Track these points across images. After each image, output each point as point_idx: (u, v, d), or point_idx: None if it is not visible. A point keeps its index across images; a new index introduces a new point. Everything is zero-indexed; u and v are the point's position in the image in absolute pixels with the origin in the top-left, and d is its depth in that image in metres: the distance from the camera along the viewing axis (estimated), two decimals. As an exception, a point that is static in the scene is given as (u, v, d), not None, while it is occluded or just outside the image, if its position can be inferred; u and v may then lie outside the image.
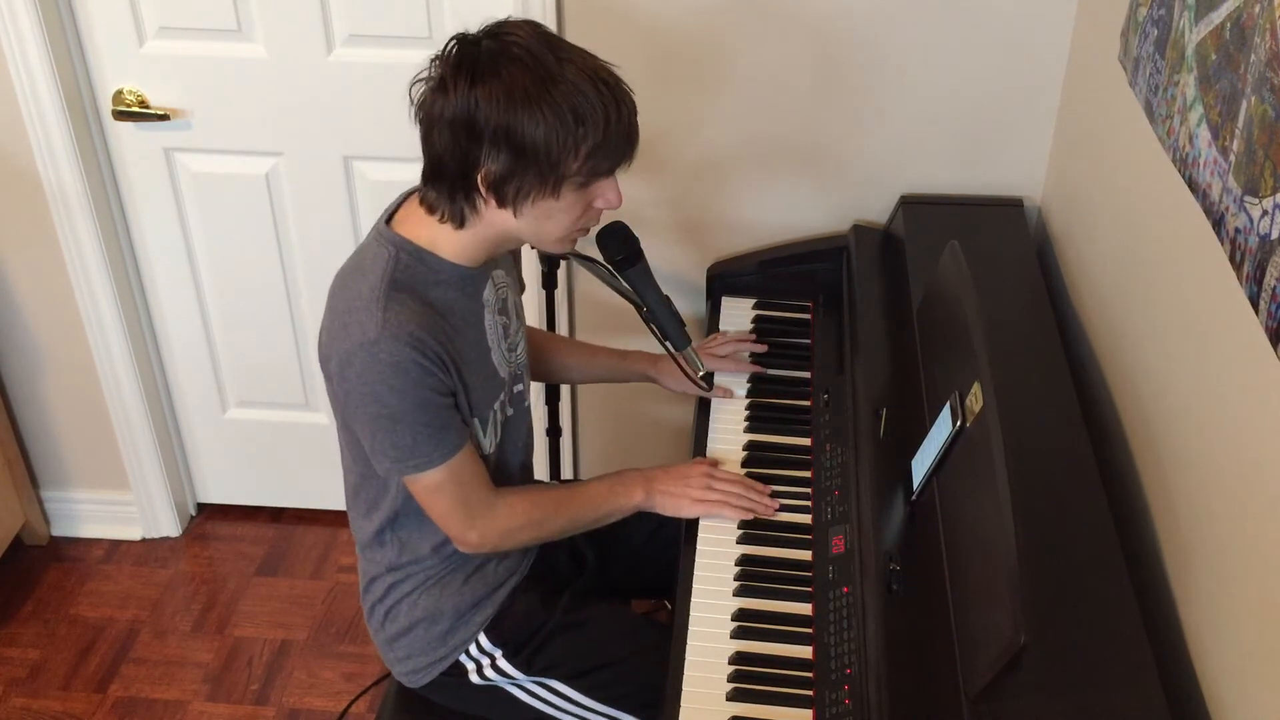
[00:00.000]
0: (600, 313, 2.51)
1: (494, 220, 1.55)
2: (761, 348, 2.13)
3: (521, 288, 1.89)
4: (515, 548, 1.79)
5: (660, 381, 2.06)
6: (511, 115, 1.43)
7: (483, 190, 1.50)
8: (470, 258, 1.61)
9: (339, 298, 1.59)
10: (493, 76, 1.43)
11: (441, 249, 1.58)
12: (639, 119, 1.54)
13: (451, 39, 1.49)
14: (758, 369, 2.09)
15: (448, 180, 1.52)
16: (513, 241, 1.64)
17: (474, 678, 1.80)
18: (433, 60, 1.50)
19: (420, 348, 1.52)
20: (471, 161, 1.48)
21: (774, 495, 1.84)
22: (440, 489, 1.63)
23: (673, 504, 1.81)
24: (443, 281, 1.59)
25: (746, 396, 2.06)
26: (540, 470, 2.54)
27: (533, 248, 2.14)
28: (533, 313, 2.47)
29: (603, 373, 2.11)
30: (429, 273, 1.58)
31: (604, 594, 1.92)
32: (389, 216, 1.63)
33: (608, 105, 1.47)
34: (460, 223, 1.56)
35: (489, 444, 1.72)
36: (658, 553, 1.94)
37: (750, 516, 1.80)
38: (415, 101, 1.51)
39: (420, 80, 1.50)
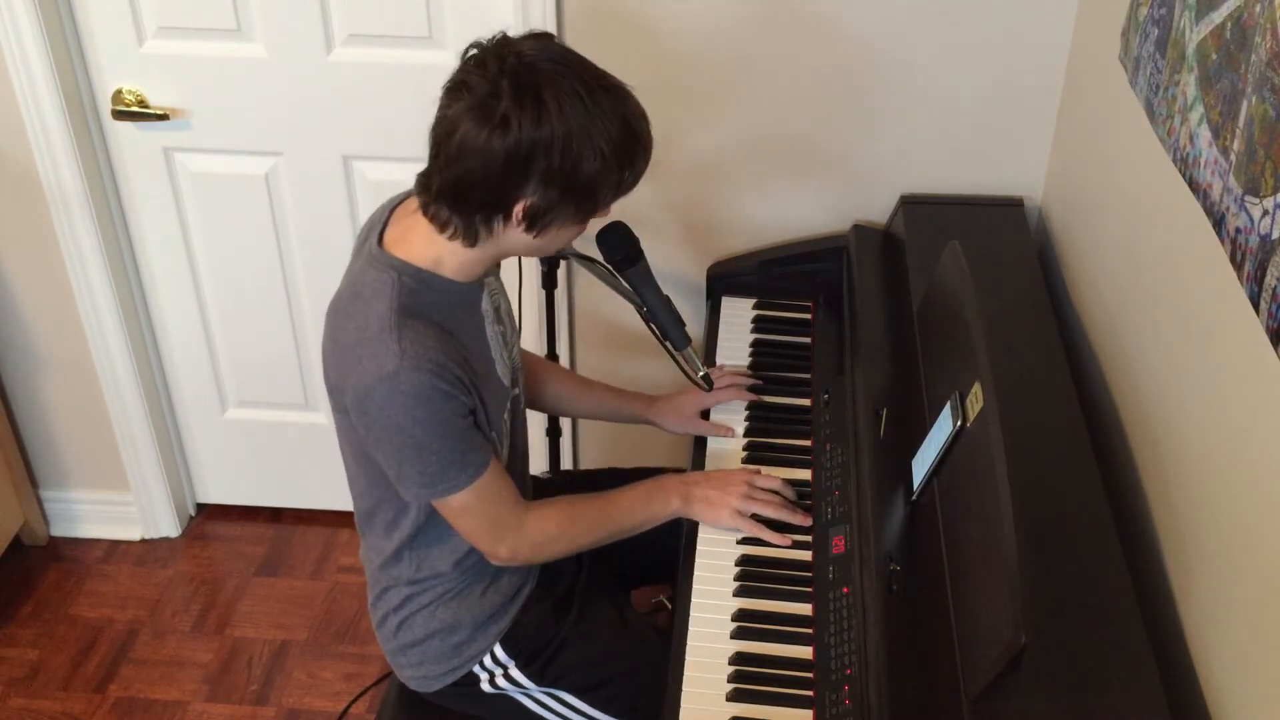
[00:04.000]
0: (600, 314, 2.51)
1: (507, 239, 1.54)
2: (757, 385, 2.09)
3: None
4: (548, 559, 1.78)
5: (659, 424, 2.04)
6: (575, 156, 1.43)
7: (515, 218, 1.49)
8: (472, 274, 1.59)
9: (343, 330, 1.56)
10: (557, 114, 1.41)
11: (445, 268, 1.56)
12: None
13: (482, 56, 1.44)
14: (755, 397, 2.04)
15: (473, 205, 1.49)
16: (513, 255, 1.64)
17: (486, 687, 1.80)
18: (459, 79, 1.45)
19: (440, 373, 1.50)
20: (513, 193, 1.46)
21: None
22: (468, 509, 1.62)
23: (712, 513, 1.78)
24: (446, 301, 1.57)
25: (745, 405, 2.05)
26: (540, 471, 2.54)
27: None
28: (533, 313, 2.47)
29: (597, 409, 2.09)
30: (433, 294, 1.56)
31: (604, 589, 1.91)
32: (379, 236, 1.60)
33: (647, 141, 1.50)
34: (473, 242, 1.53)
35: (504, 455, 1.71)
36: (652, 536, 1.93)
37: (788, 542, 1.76)
38: (458, 129, 1.43)
39: (458, 106, 1.43)
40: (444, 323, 1.56)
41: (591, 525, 1.76)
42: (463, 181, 1.47)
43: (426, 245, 1.55)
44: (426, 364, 1.49)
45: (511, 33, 1.51)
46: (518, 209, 1.48)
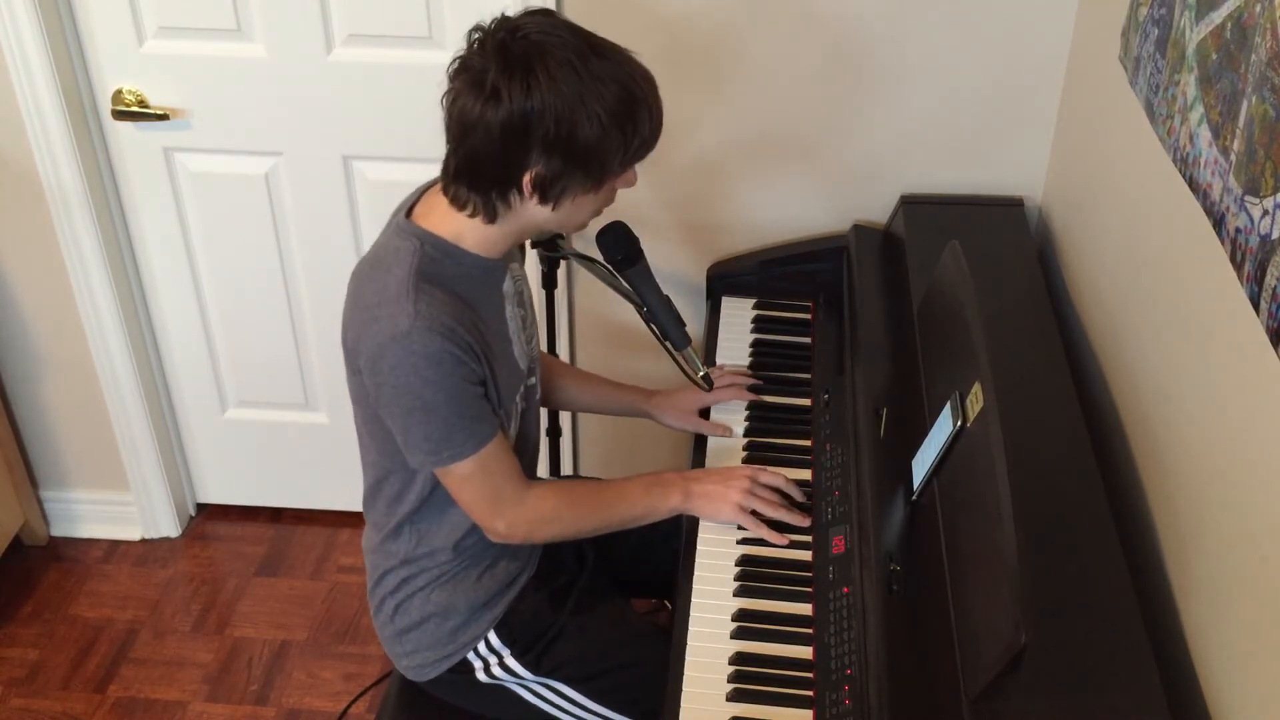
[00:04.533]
0: (600, 313, 2.51)
1: (526, 214, 1.56)
2: (757, 385, 2.08)
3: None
4: (545, 541, 1.80)
5: (656, 418, 2.04)
6: (569, 122, 1.45)
7: (527, 191, 1.51)
8: (495, 250, 1.62)
9: (364, 292, 1.59)
10: (547, 82, 1.43)
11: (466, 242, 1.59)
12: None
13: (483, 37, 1.48)
14: (755, 397, 2.04)
15: (485, 180, 1.52)
16: (537, 232, 1.66)
17: (481, 676, 1.80)
18: (459, 59, 1.49)
19: (452, 338, 1.52)
20: (518, 165, 1.49)
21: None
22: (470, 479, 1.63)
23: (711, 507, 1.78)
24: (467, 275, 1.60)
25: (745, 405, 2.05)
26: (540, 470, 2.54)
27: (550, 234, 2.14)
28: (532, 313, 2.47)
29: (597, 401, 2.09)
30: (454, 266, 1.59)
31: (606, 591, 1.92)
32: (408, 210, 1.63)
33: (651, 103, 1.52)
34: (492, 218, 1.56)
35: (511, 435, 1.72)
36: (653, 547, 1.94)
37: (786, 542, 1.76)
38: (456, 106, 1.48)
39: (457, 83, 1.48)
40: (464, 295, 1.58)
41: (591, 510, 1.77)
42: (470, 158, 1.50)
43: (449, 220, 1.59)
44: (439, 327, 1.51)
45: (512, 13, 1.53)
46: (526, 181, 1.50)
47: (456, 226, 1.58)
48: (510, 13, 1.53)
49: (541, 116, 1.44)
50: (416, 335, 1.51)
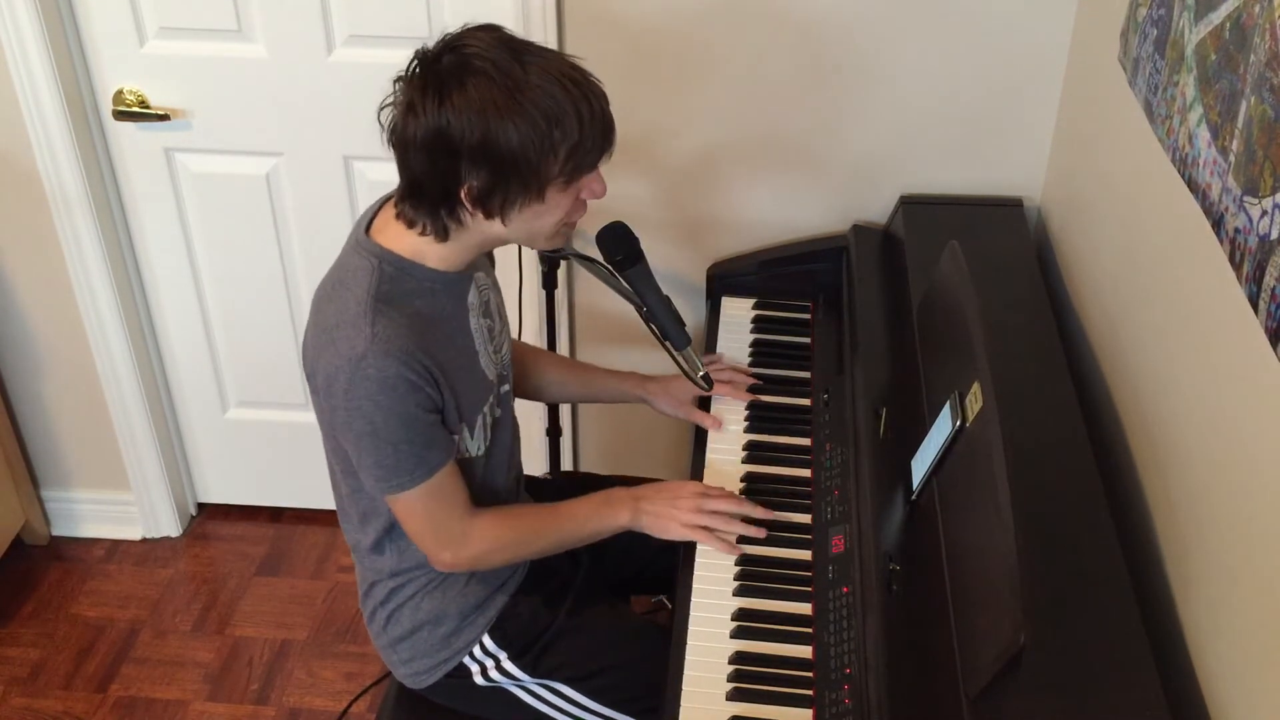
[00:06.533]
0: (600, 313, 2.51)
1: (481, 229, 1.55)
2: (757, 385, 2.08)
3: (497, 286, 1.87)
4: (494, 567, 1.78)
5: (652, 404, 2.04)
6: (484, 129, 1.43)
7: (468, 205, 1.50)
8: (454, 264, 1.60)
9: (324, 312, 1.57)
10: (459, 92, 1.42)
11: (425, 258, 1.58)
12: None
13: (412, 58, 1.48)
14: (754, 397, 2.04)
15: (429, 199, 1.51)
16: (500, 244, 1.64)
17: (479, 679, 1.80)
18: (396, 81, 1.49)
19: (408, 362, 1.51)
20: (452, 179, 1.48)
21: (773, 495, 1.84)
22: (416, 509, 1.63)
23: (659, 525, 1.77)
24: (428, 290, 1.58)
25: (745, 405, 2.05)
26: (538, 470, 2.54)
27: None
28: (533, 313, 2.47)
29: (591, 391, 2.09)
30: (413, 283, 1.57)
31: (601, 591, 1.92)
32: (367, 225, 1.62)
33: (578, 103, 1.46)
34: (444, 236, 1.55)
35: (476, 447, 1.70)
36: (645, 547, 1.93)
37: (737, 554, 1.75)
38: (386, 126, 1.50)
39: (388, 105, 1.50)
40: (425, 310, 1.57)
41: (537, 534, 1.75)
42: (411, 178, 1.51)
43: (405, 236, 1.57)
44: (395, 350, 1.50)
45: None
46: (464, 196, 1.49)
47: (414, 244, 1.57)
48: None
49: (458, 129, 1.43)
50: (372, 359, 1.49)
